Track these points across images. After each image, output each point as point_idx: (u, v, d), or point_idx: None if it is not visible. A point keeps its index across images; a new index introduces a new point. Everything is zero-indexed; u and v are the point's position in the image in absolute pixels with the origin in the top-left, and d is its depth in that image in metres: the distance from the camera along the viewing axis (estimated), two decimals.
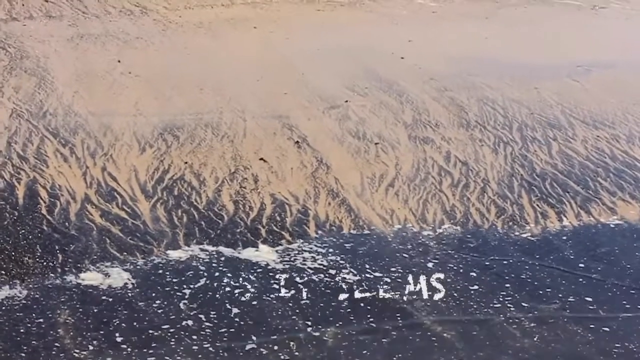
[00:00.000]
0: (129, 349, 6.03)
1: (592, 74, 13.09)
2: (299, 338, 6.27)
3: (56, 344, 6.02)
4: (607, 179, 9.30)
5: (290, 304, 6.68)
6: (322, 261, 7.32)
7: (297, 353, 6.11)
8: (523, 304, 6.91)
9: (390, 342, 6.30)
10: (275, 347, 6.15)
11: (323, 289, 6.91)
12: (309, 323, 6.45)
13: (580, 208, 8.62)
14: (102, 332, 6.20)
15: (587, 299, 7.03)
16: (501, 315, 6.72)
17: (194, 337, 6.20)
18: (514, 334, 6.48)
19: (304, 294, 6.81)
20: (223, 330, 6.31)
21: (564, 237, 8.06)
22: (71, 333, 6.16)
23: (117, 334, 6.18)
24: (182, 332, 6.24)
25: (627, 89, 12.39)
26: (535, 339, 6.45)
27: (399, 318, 6.59)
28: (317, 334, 6.34)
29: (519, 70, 12.94)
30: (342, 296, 6.82)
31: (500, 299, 6.95)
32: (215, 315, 6.47)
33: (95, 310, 6.44)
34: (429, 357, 6.17)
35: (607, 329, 6.63)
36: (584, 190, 9.00)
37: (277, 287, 6.90)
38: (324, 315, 6.56)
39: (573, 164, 9.65)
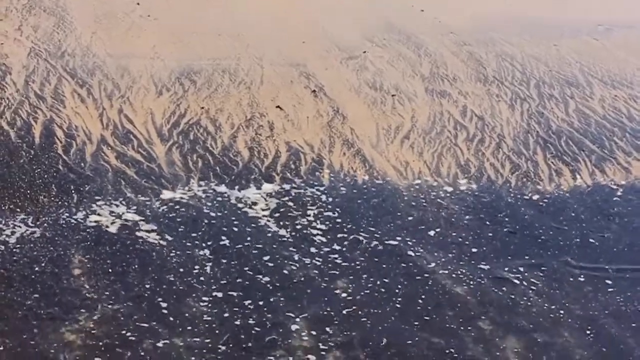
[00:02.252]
0: (142, 289, 6.02)
1: (613, 33, 12.92)
2: (311, 285, 6.26)
3: (70, 284, 6.02)
4: (623, 139, 9.21)
5: (303, 248, 6.66)
6: (334, 208, 7.29)
7: (309, 301, 6.10)
8: (533, 260, 6.87)
9: (400, 294, 6.28)
10: (284, 288, 6.15)
11: (334, 234, 6.89)
12: (317, 272, 6.44)
13: (595, 167, 8.55)
14: (115, 272, 6.19)
15: (599, 257, 6.99)
16: (510, 270, 6.68)
17: (207, 277, 6.19)
18: (523, 290, 6.45)
19: (315, 240, 6.79)
20: (234, 270, 6.30)
21: (578, 196, 7.99)
22: (85, 272, 6.15)
23: (130, 274, 6.17)
24: (195, 273, 6.23)
25: None
26: (543, 295, 6.43)
27: (409, 269, 6.56)
28: (327, 279, 6.34)
29: (539, 27, 12.78)
30: (354, 241, 6.81)
31: (511, 255, 6.91)
32: (226, 257, 6.45)
33: (109, 251, 6.43)
34: (441, 310, 6.15)
35: (611, 283, 6.62)
36: (600, 149, 8.92)
37: (288, 232, 6.88)
38: (334, 264, 6.54)
39: (589, 123, 9.56)
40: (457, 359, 5.63)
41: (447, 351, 5.69)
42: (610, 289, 6.58)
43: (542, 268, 6.77)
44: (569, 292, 6.48)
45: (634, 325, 6.15)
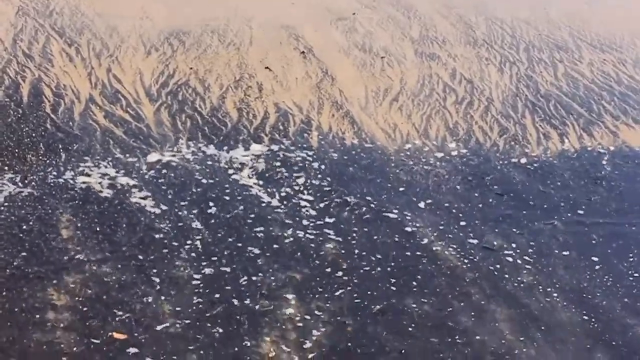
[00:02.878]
0: (129, 249, 5.98)
1: None
2: (299, 248, 6.23)
3: (57, 243, 5.97)
4: (611, 103, 9.17)
5: (290, 209, 6.62)
6: (324, 169, 7.24)
7: (297, 264, 6.08)
8: (520, 223, 6.86)
9: (389, 259, 6.26)
10: (271, 250, 6.12)
11: (322, 197, 6.85)
12: (305, 235, 6.40)
13: (583, 131, 8.52)
14: (103, 232, 6.14)
15: (586, 220, 6.98)
16: (498, 233, 6.67)
17: (195, 238, 6.16)
18: (510, 253, 6.44)
19: (303, 203, 6.75)
20: (222, 232, 6.26)
21: (565, 159, 7.97)
22: (72, 232, 6.10)
23: (118, 235, 6.12)
24: (184, 234, 6.19)
25: (636, 13, 12.15)
26: (530, 258, 6.42)
27: (398, 233, 6.54)
28: (314, 238, 6.31)
29: None
30: (343, 204, 6.78)
31: (499, 217, 6.89)
32: (214, 218, 6.41)
33: (97, 210, 6.37)
34: (430, 275, 6.13)
35: (596, 238, 6.62)
36: (588, 113, 8.89)
37: (276, 194, 6.83)
38: (322, 227, 6.51)
39: (578, 87, 9.51)
40: (448, 325, 5.61)
41: (438, 317, 5.66)
42: (597, 252, 6.58)
43: (529, 231, 6.76)
44: (557, 255, 6.47)
45: (621, 291, 6.15)
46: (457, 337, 5.48)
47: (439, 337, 5.46)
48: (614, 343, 5.59)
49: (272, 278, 5.82)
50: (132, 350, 5.07)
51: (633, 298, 6.06)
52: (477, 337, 5.47)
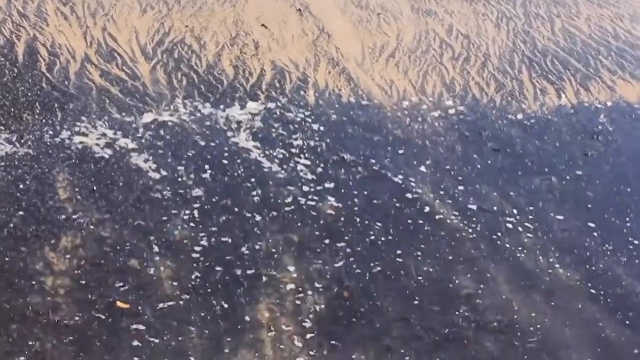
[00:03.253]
0: (126, 209, 5.95)
1: None
2: (296, 207, 6.21)
3: (54, 202, 5.94)
4: (608, 58, 9.10)
5: (286, 167, 6.59)
6: (321, 127, 7.20)
7: (295, 224, 6.06)
8: (516, 178, 6.84)
9: (387, 218, 6.24)
10: (269, 210, 6.10)
11: (319, 154, 6.82)
12: (302, 193, 6.38)
13: (580, 86, 8.45)
14: (100, 191, 6.11)
15: (582, 175, 6.96)
16: (493, 189, 6.65)
17: (192, 197, 6.13)
18: (506, 209, 6.43)
19: (300, 161, 6.72)
20: (219, 190, 6.24)
21: (562, 114, 7.92)
22: (69, 191, 6.07)
23: (114, 194, 6.09)
24: (181, 193, 6.16)
25: None
26: (526, 215, 6.41)
27: (396, 190, 6.51)
28: (315, 199, 6.29)
29: None
30: (339, 161, 6.75)
31: (494, 173, 6.87)
32: (211, 177, 6.38)
33: (94, 169, 6.33)
34: (428, 235, 6.11)
35: (592, 193, 6.62)
36: (585, 68, 8.81)
37: (272, 152, 6.80)
38: (319, 185, 6.49)
39: (575, 42, 9.42)
40: (447, 287, 5.59)
41: (438, 278, 5.64)
42: (593, 208, 6.56)
43: (526, 187, 6.74)
44: (553, 211, 6.46)
45: (617, 248, 6.15)
46: (456, 299, 5.47)
47: (438, 298, 5.44)
48: (609, 300, 5.61)
49: (270, 241, 5.78)
50: (132, 317, 5.05)
51: (629, 254, 6.06)
52: (479, 301, 5.46)
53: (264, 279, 5.44)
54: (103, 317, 5.00)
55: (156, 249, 5.60)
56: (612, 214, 6.48)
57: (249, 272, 5.49)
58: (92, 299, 5.12)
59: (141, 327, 4.96)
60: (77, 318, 4.97)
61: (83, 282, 5.25)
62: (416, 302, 5.41)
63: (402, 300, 5.41)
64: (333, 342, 5.02)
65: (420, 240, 5.98)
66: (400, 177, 6.64)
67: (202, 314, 5.10)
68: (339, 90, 7.92)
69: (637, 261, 5.96)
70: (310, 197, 6.30)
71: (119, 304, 5.12)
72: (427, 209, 6.30)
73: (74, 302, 5.08)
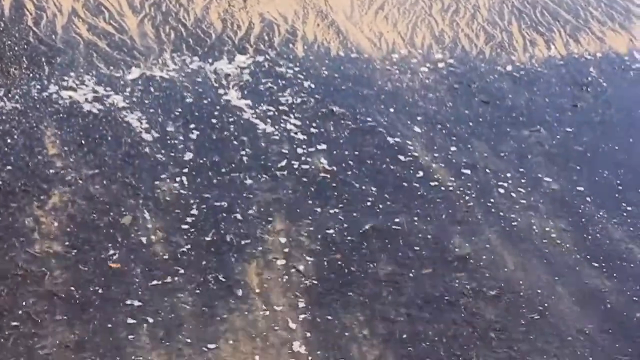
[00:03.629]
0: (115, 164, 5.90)
1: None
2: (285, 162, 6.17)
3: (43, 157, 5.88)
4: (598, 9, 9.01)
5: (275, 122, 6.54)
6: (310, 80, 7.14)
7: (285, 180, 6.02)
8: (506, 130, 6.81)
9: (377, 171, 6.20)
10: (258, 163, 6.06)
11: (308, 107, 6.77)
12: (291, 147, 6.34)
13: (569, 37, 8.38)
14: (88, 146, 6.05)
15: (571, 126, 6.93)
16: (483, 141, 6.62)
17: (180, 152, 6.08)
18: (495, 160, 6.40)
19: (289, 114, 6.67)
20: (208, 145, 6.19)
21: (551, 66, 7.86)
22: (57, 147, 6.01)
23: (102, 149, 6.03)
24: (169, 148, 6.11)
25: None
26: (517, 167, 6.38)
27: (385, 144, 6.47)
28: (307, 153, 6.25)
29: None
30: (329, 114, 6.69)
31: (484, 125, 6.83)
32: (199, 131, 6.33)
33: (82, 124, 6.27)
34: (418, 190, 6.09)
35: (582, 146, 6.59)
36: (574, 19, 8.74)
37: (261, 101, 6.74)
38: (308, 138, 6.44)
39: None
40: (439, 243, 5.56)
41: (428, 235, 5.61)
42: (582, 159, 6.54)
43: (515, 138, 6.71)
44: (542, 163, 6.44)
45: (606, 199, 6.14)
46: (448, 256, 5.44)
47: (430, 256, 5.42)
48: (600, 256, 5.61)
49: (261, 201, 5.72)
50: (122, 276, 5.01)
51: (616, 204, 6.05)
52: (472, 261, 5.44)
53: (255, 240, 5.39)
54: (93, 276, 4.96)
55: (146, 206, 5.55)
56: (601, 167, 6.46)
57: (239, 232, 5.45)
58: (82, 257, 5.08)
59: (132, 287, 4.93)
60: (66, 276, 4.94)
61: (72, 239, 5.20)
62: (405, 256, 5.40)
63: (391, 256, 5.39)
64: (324, 306, 4.96)
65: (409, 195, 5.95)
66: (391, 131, 6.60)
67: (192, 276, 5.05)
68: (327, 43, 7.84)
69: (629, 220, 5.94)
70: (300, 153, 6.25)
71: (110, 265, 5.08)
72: (417, 165, 6.26)
73: (63, 260, 5.05)
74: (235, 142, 6.28)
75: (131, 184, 5.72)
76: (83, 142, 6.07)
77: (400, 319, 4.90)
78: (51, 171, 5.75)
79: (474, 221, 5.76)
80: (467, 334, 4.84)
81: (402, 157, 6.31)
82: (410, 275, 5.23)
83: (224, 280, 5.04)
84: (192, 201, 5.64)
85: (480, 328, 4.88)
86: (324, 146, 6.34)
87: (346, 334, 4.76)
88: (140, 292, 4.88)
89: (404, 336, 4.78)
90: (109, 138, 6.15)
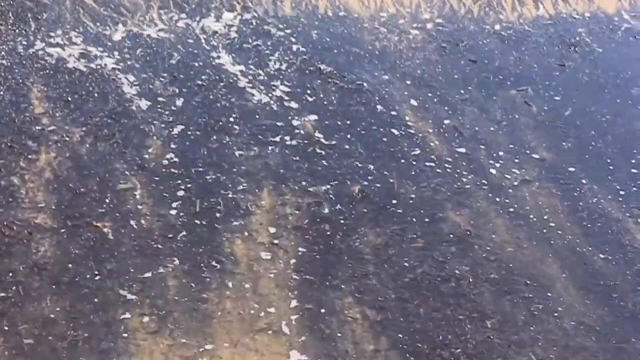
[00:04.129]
0: (102, 121, 5.84)
1: None
2: (274, 121, 6.12)
3: (30, 113, 5.81)
4: None
5: (263, 81, 6.48)
6: (296, 39, 7.07)
7: (273, 137, 5.98)
8: (492, 89, 6.77)
9: (364, 132, 6.17)
10: (247, 123, 6.01)
11: (296, 66, 6.71)
12: (279, 106, 6.29)
13: None
14: (74, 103, 5.98)
15: (559, 86, 6.90)
16: (469, 99, 6.58)
17: (169, 110, 6.03)
18: (483, 119, 6.37)
19: (276, 73, 6.61)
20: (195, 104, 6.13)
21: (540, 25, 7.79)
22: (44, 103, 5.94)
23: (89, 106, 5.96)
24: (157, 106, 6.05)
25: None
26: (503, 125, 6.36)
27: (373, 102, 6.43)
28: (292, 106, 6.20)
29: None
30: (316, 72, 6.64)
31: (471, 84, 6.79)
32: (187, 89, 6.27)
33: (68, 80, 6.19)
34: (404, 148, 6.05)
35: (568, 110, 6.57)
36: None
37: (248, 60, 6.67)
38: (296, 99, 6.39)
39: None
40: (427, 205, 5.55)
41: (417, 197, 5.59)
42: (570, 118, 6.52)
43: (502, 98, 6.67)
44: (529, 124, 6.42)
45: (590, 159, 6.12)
46: (437, 216, 5.43)
47: (417, 218, 5.40)
48: (584, 215, 5.61)
49: (249, 165, 5.69)
50: (108, 235, 4.99)
51: (600, 166, 6.05)
52: (458, 221, 5.43)
53: (243, 204, 5.35)
54: (79, 236, 4.93)
55: (132, 166, 5.50)
56: (588, 128, 6.44)
57: (225, 191, 5.42)
58: (68, 217, 5.05)
59: (118, 256, 4.90)
60: (50, 244, 4.90)
61: (58, 198, 5.16)
62: (395, 219, 5.38)
63: (382, 229, 5.36)
64: (310, 274, 4.94)
65: (398, 156, 5.92)
66: (379, 92, 6.55)
67: (180, 247, 5.00)
68: (315, 2, 7.74)
69: (615, 185, 5.94)
70: (284, 107, 6.21)
71: (95, 224, 5.04)
72: (406, 128, 6.22)
73: (50, 220, 5.01)
74: (224, 103, 6.21)
75: (118, 143, 5.67)
76: (69, 99, 6.00)
77: (390, 297, 4.87)
78: (37, 128, 5.69)
79: (465, 189, 5.73)
80: (461, 315, 4.80)
81: (388, 115, 6.27)
82: (400, 249, 5.19)
83: (211, 253, 4.99)
84: (174, 157, 5.60)
85: (475, 311, 4.85)
86: (311, 107, 6.28)
87: (334, 314, 4.72)
88: (128, 263, 4.84)
89: (394, 317, 4.75)
90: (96, 95, 6.08)
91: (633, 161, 6.20)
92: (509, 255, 5.27)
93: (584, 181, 5.94)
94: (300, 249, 5.11)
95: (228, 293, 4.76)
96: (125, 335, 4.45)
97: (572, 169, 6.05)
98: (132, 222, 5.09)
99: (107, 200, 5.21)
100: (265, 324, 4.60)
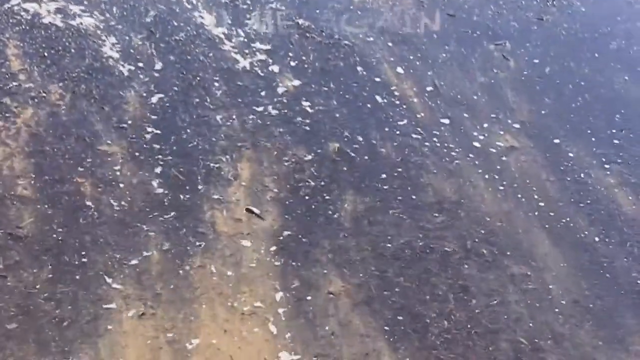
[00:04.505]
0: (78, 77, 5.77)
1: None
2: (254, 82, 6.08)
3: (6, 70, 5.72)
4: None
5: (241, 41, 6.42)
6: None
7: (253, 94, 5.94)
8: (469, 43, 6.76)
9: (342, 86, 6.14)
10: (227, 85, 5.97)
11: (274, 21, 6.64)
12: (259, 65, 6.24)
13: None
14: (51, 58, 5.89)
15: (537, 41, 6.88)
16: (447, 52, 6.56)
17: (145, 64, 5.97)
18: (460, 72, 6.36)
19: (255, 30, 6.55)
20: (173, 60, 6.08)
21: None
22: (20, 59, 5.85)
23: (66, 61, 5.89)
24: (135, 63, 5.99)
25: None
26: (476, 77, 6.35)
27: (350, 56, 6.40)
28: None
29: None
30: (293, 27, 6.59)
31: (448, 37, 6.77)
32: (165, 44, 6.20)
33: (44, 35, 6.09)
34: (383, 111, 6.04)
35: (547, 68, 6.56)
36: None
37: (225, 11, 6.61)
38: (274, 55, 6.35)
39: None
40: (404, 162, 5.55)
41: (397, 155, 5.58)
42: (547, 71, 6.52)
43: (480, 51, 6.65)
44: (507, 77, 6.41)
45: (565, 112, 6.14)
46: (413, 174, 5.42)
47: (398, 177, 5.39)
48: (560, 167, 5.62)
49: (227, 120, 5.66)
50: (89, 192, 4.96)
51: (582, 129, 6.06)
52: (435, 174, 5.43)
53: (224, 166, 5.29)
54: (62, 194, 4.89)
55: (110, 123, 5.44)
56: (567, 86, 6.44)
57: (205, 151, 5.39)
58: (48, 173, 5.01)
59: (99, 225, 4.82)
60: (32, 190, 4.88)
61: (37, 155, 5.11)
62: (373, 175, 5.38)
63: (356, 173, 5.36)
64: (291, 231, 4.92)
65: (376, 113, 5.90)
66: (357, 46, 6.50)
67: (158, 214, 4.92)
68: None
69: (597, 150, 5.94)
70: (262, 67, 6.16)
71: (76, 179, 5.01)
72: (378, 79, 6.21)
73: (34, 179, 4.97)
74: (201, 59, 6.15)
75: (95, 98, 5.61)
76: (46, 54, 5.92)
77: (370, 270, 4.79)
78: (14, 84, 5.61)
79: (445, 151, 5.70)
80: (445, 286, 4.74)
81: (372, 79, 6.23)
82: (383, 216, 5.13)
83: (191, 221, 4.91)
84: (154, 109, 5.56)
85: (459, 280, 4.78)
86: (290, 62, 6.24)
87: (314, 282, 4.66)
88: (107, 231, 4.76)
89: (376, 290, 4.67)
90: (72, 50, 5.99)
91: (615, 120, 6.18)
92: (496, 227, 5.18)
93: (567, 147, 5.90)
94: (281, 218, 5.03)
95: (209, 266, 4.67)
96: (109, 315, 4.35)
97: (554, 134, 6.01)
98: (112, 186, 5.04)
99: (89, 160, 5.15)
100: (247, 302, 4.49)
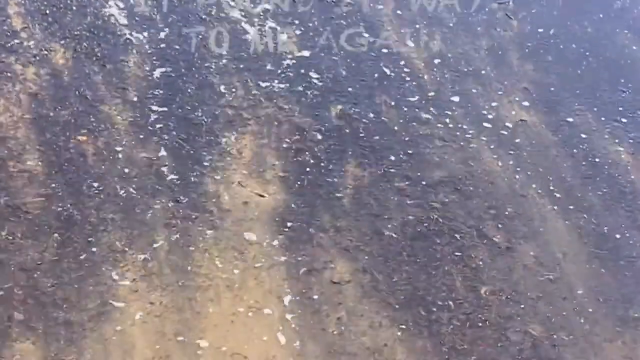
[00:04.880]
0: (80, 34, 5.72)
1: None
2: (259, 47, 6.03)
3: (7, 28, 5.65)
4: None
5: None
6: None
7: (257, 62, 5.90)
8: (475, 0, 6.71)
9: (349, 58, 6.10)
10: (226, 58, 5.93)
11: None
12: (268, 27, 6.19)
13: None
14: (52, 16, 5.81)
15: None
16: (452, 17, 6.51)
17: (146, 26, 5.91)
18: (462, 32, 6.32)
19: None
20: (176, 20, 6.02)
21: None
22: (21, 17, 5.77)
23: (67, 20, 5.82)
24: (136, 21, 5.93)
25: None
26: (484, 36, 6.31)
27: (353, 15, 6.34)
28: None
29: None
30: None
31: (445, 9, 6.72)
32: (166, 13, 6.15)
33: None
34: (386, 75, 6.00)
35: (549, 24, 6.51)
36: None
37: None
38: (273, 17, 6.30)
39: None
40: (405, 130, 5.52)
41: (394, 122, 5.56)
42: (550, 36, 6.49)
43: (484, 11, 6.60)
44: (512, 39, 6.38)
45: (565, 74, 6.12)
46: (412, 146, 5.39)
47: (398, 145, 5.37)
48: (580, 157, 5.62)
49: (232, 90, 5.60)
50: (90, 151, 4.95)
51: (589, 93, 6.04)
52: (438, 142, 5.41)
53: (222, 151, 5.22)
54: (67, 157, 4.88)
55: (114, 84, 5.41)
56: (571, 48, 6.40)
57: (205, 116, 5.37)
58: (50, 132, 5.00)
59: (102, 202, 4.77)
60: (36, 155, 4.87)
61: (39, 114, 5.10)
62: (372, 139, 5.36)
63: (362, 140, 5.35)
64: (292, 204, 4.91)
65: (376, 76, 5.88)
66: (361, 7, 6.45)
67: (158, 188, 4.88)
68: None
69: (606, 116, 5.91)
70: (268, 32, 6.12)
71: (78, 138, 4.99)
72: (388, 50, 6.16)
73: (35, 142, 4.95)
74: (205, 18, 6.11)
75: (96, 55, 5.57)
76: (47, 11, 5.85)
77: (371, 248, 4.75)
78: (15, 41, 5.57)
79: (434, 91, 5.71)
80: (452, 264, 4.69)
81: (374, 40, 6.18)
82: (385, 188, 5.12)
83: (193, 193, 4.89)
84: (155, 73, 5.52)
85: (466, 264, 4.71)
86: (294, 24, 6.19)
87: (317, 258, 4.64)
88: (109, 205, 4.73)
89: (383, 279, 4.61)
90: (74, 7, 5.93)
91: (620, 83, 6.15)
92: (502, 196, 5.15)
93: (576, 117, 5.86)
94: (284, 195, 4.98)
95: (214, 245, 4.63)
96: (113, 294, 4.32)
97: (550, 84, 6.02)
98: (114, 150, 5.01)
99: (91, 119, 5.13)
100: (253, 295, 4.41)
